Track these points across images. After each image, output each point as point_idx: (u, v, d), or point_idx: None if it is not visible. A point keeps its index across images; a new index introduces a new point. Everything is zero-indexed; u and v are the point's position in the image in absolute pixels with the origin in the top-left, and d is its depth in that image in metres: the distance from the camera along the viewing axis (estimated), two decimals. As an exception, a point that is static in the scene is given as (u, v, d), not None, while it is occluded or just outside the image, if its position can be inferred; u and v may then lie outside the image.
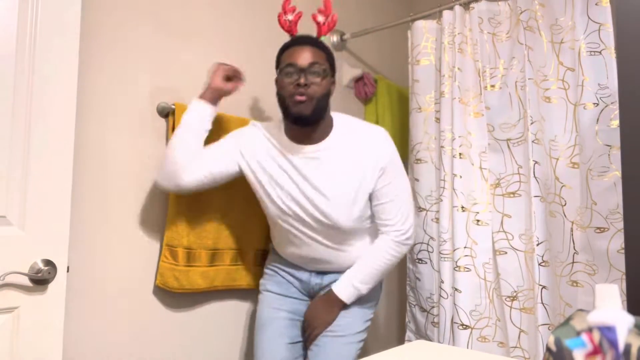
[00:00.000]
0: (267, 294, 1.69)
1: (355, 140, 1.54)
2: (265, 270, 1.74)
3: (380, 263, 1.57)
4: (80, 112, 1.45)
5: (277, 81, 1.51)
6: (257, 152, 1.56)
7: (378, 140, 1.55)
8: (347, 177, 1.51)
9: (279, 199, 1.53)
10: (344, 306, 1.58)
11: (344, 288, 1.56)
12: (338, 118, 1.58)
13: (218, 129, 1.67)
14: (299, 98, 1.43)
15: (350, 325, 1.59)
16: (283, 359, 1.59)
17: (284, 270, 1.69)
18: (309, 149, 1.52)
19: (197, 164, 1.51)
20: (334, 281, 1.60)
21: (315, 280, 1.66)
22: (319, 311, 1.59)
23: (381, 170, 1.52)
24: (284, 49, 1.52)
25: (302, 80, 1.42)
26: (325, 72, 1.47)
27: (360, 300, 1.61)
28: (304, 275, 1.67)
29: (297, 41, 1.50)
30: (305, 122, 1.48)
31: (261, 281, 1.74)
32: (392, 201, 1.55)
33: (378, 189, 1.53)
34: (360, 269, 1.57)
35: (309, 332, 1.60)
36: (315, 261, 1.61)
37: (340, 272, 1.60)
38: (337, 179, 1.50)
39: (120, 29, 1.56)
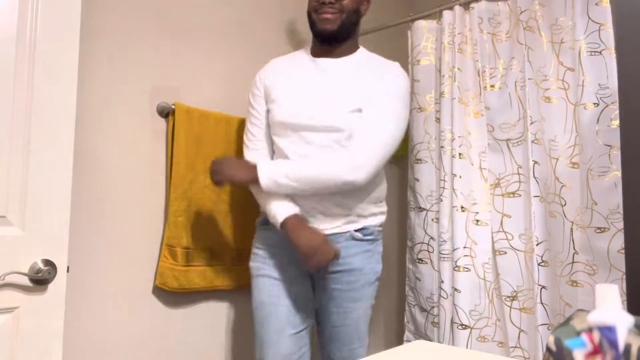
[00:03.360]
0: (263, 280, 1.55)
1: (372, 64, 1.56)
2: (256, 251, 1.59)
3: (317, 169, 1.42)
4: (80, 112, 1.45)
5: None
6: (276, 73, 1.59)
7: (395, 70, 1.56)
8: (354, 90, 1.50)
9: (286, 109, 1.52)
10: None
11: (268, 168, 1.45)
12: (365, 50, 1.62)
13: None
14: (325, 16, 1.49)
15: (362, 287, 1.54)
16: (288, 352, 1.51)
17: (276, 247, 1.56)
18: (325, 61, 1.55)
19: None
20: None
21: None
22: (224, 163, 1.50)
23: (380, 90, 1.49)
24: None
25: None
26: None
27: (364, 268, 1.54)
28: None
29: None
30: (330, 39, 1.53)
31: (252, 264, 1.59)
32: (369, 122, 1.46)
33: (367, 107, 1.48)
34: (294, 164, 1.46)
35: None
36: (316, 199, 1.50)
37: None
38: (344, 89, 1.50)
39: (121, 29, 1.56)
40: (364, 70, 1.54)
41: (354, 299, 1.53)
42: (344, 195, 1.50)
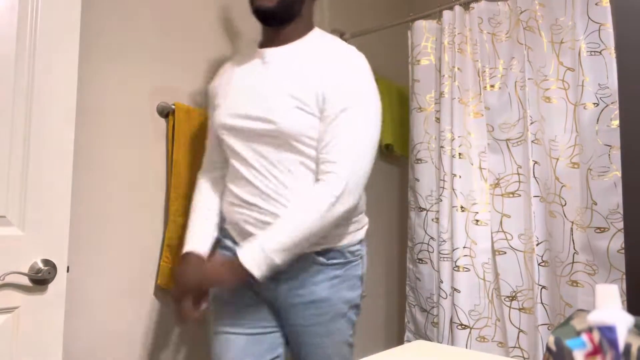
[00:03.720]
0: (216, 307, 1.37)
1: (325, 50, 1.29)
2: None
3: (301, 223, 1.17)
4: (80, 112, 1.45)
5: None
6: (222, 77, 1.42)
7: (353, 58, 1.28)
8: (296, 82, 1.25)
9: (219, 113, 1.34)
10: (251, 281, 1.19)
11: (250, 251, 1.17)
12: (320, 32, 1.36)
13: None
14: None
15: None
16: None
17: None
18: (269, 51, 1.32)
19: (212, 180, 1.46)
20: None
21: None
22: (208, 267, 1.23)
23: (338, 89, 1.22)
24: None
25: None
26: None
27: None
28: None
29: None
30: (269, 19, 1.31)
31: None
32: (338, 135, 1.21)
33: (328, 114, 1.22)
34: (277, 227, 1.18)
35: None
36: (249, 208, 1.27)
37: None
38: (284, 82, 1.26)
39: (121, 29, 1.56)
40: (314, 59, 1.27)
41: (321, 335, 1.27)
42: None
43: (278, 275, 1.25)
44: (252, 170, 1.28)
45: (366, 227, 1.39)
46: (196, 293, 1.25)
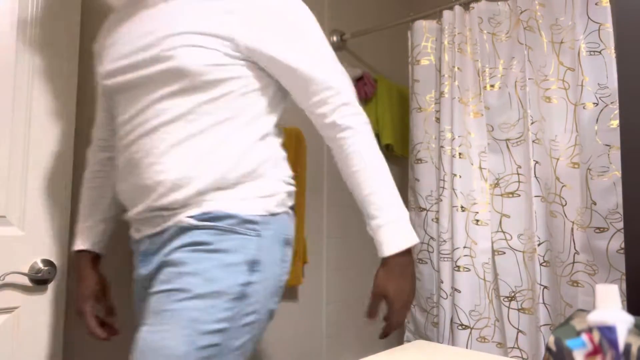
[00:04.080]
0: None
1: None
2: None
3: (375, 160, 1.02)
4: (80, 111, 1.45)
5: None
6: (108, 29, 1.15)
7: None
8: (195, 18, 0.98)
9: (103, 64, 1.08)
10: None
11: (393, 230, 0.99)
12: None
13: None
14: None
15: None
16: None
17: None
18: None
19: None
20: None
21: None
22: (393, 283, 0.99)
23: (262, 20, 0.98)
24: None
25: None
26: None
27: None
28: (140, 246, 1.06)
29: None
30: None
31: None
32: (312, 57, 1.00)
33: (273, 54, 0.98)
34: (373, 185, 1.02)
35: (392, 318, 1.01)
36: (129, 173, 1.02)
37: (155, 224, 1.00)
38: (180, 19, 0.98)
39: (120, 29, 1.56)
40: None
41: (155, 311, 0.92)
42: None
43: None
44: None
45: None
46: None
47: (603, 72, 1.60)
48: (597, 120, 1.60)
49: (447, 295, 1.85)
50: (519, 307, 1.74)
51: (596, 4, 1.62)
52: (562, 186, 1.68)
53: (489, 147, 1.86)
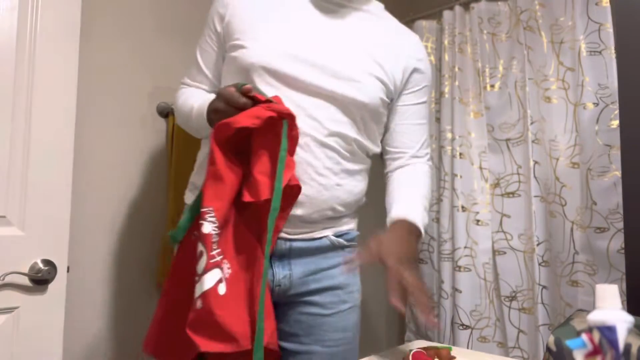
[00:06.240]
0: None
1: (392, 23, 1.20)
2: None
3: (426, 191, 1.15)
4: (80, 111, 1.45)
5: None
6: None
7: (423, 48, 1.25)
8: (374, 51, 1.09)
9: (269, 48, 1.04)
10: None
11: (416, 211, 1.06)
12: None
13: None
14: None
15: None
16: None
17: None
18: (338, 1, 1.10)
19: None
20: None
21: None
22: (396, 245, 0.98)
23: (416, 73, 1.17)
24: None
25: None
26: None
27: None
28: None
29: None
30: None
31: None
32: (421, 124, 1.20)
33: (408, 103, 1.17)
34: (415, 192, 1.11)
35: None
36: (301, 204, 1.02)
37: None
38: (361, 46, 1.07)
39: (120, 29, 1.56)
40: (386, 31, 1.15)
41: (337, 329, 1.07)
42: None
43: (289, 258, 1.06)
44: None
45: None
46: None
47: (603, 72, 1.60)
48: (597, 120, 1.60)
49: (447, 295, 1.85)
50: (520, 307, 1.74)
51: (596, 4, 1.62)
52: (562, 186, 1.68)
53: (489, 147, 1.86)
